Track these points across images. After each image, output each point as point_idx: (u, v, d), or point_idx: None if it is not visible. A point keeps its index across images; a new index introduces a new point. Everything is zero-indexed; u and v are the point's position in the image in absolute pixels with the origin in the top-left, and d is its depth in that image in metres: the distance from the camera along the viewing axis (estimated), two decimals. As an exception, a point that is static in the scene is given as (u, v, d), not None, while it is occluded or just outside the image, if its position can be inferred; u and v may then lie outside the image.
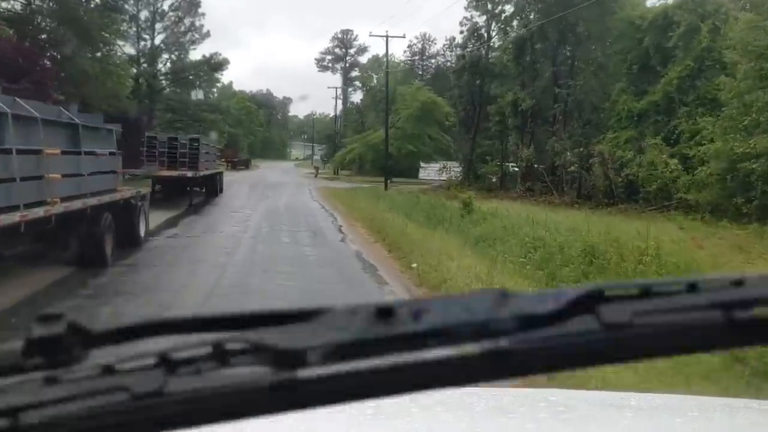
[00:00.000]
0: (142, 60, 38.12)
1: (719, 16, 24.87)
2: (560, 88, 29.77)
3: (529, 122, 32.09)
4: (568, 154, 27.10)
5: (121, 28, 33.23)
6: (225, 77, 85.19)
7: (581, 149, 26.04)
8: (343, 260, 12.29)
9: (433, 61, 79.32)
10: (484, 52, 38.60)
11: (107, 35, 28.71)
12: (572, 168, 25.53)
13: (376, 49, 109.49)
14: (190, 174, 21.44)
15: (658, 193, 22.90)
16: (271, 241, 14.46)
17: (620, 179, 24.53)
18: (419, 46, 79.10)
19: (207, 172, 24.20)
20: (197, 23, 38.44)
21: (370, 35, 37.69)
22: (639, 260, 9.97)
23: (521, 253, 13.17)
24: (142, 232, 13.20)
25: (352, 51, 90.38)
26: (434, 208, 22.22)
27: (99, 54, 27.46)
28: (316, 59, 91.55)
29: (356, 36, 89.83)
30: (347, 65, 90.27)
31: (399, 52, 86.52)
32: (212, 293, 8.34)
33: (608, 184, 24.56)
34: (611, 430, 1.31)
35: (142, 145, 22.68)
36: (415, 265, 11.43)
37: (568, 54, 31.06)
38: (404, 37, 39.28)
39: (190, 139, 23.34)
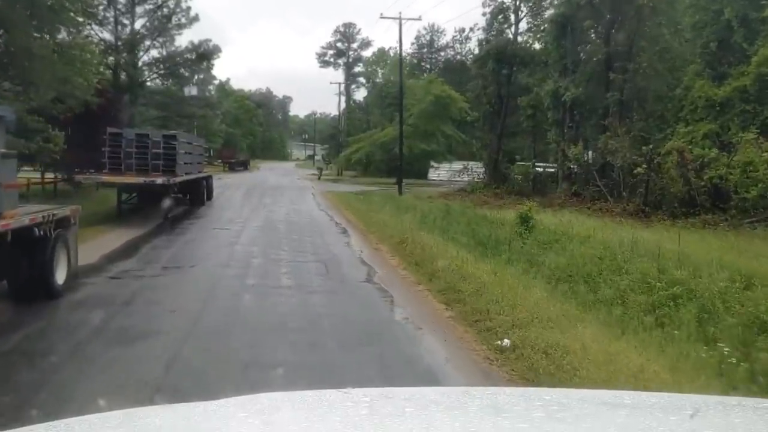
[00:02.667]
0: (121, 47, 33.12)
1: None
2: (615, 73, 24.65)
3: (574, 115, 27.08)
4: (628, 152, 22.09)
5: (95, 11, 28.44)
6: (221, 74, 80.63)
7: (649, 146, 20.98)
8: (379, 328, 7.46)
9: (442, 53, 74.70)
10: (511, 36, 33.78)
11: (70, 12, 23.83)
12: (639, 169, 20.52)
13: (381, 42, 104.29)
14: (160, 180, 16.42)
15: (759, 201, 18.02)
16: (263, 285, 9.62)
17: (702, 183, 19.63)
18: (427, 37, 74.48)
19: (187, 177, 19.24)
20: (183, 4, 33.28)
21: (381, 17, 32.75)
22: None
23: (650, 308, 8.51)
24: (60, 278, 8.49)
25: (354, 45, 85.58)
26: (475, 223, 17.40)
27: (59, 33, 22.63)
28: (317, 54, 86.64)
29: (359, 30, 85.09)
30: (350, 60, 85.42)
31: (406, 44, 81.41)
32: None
33: (687, 189, 19.65)
34: (606, 429, 1.25)
35: (104, 144, 17.83)
36: (507, 342, 6.65)
37: (624, 32, 25.66)
38: (420, 19, 34.59)
39: (164, 136, 18.31)
